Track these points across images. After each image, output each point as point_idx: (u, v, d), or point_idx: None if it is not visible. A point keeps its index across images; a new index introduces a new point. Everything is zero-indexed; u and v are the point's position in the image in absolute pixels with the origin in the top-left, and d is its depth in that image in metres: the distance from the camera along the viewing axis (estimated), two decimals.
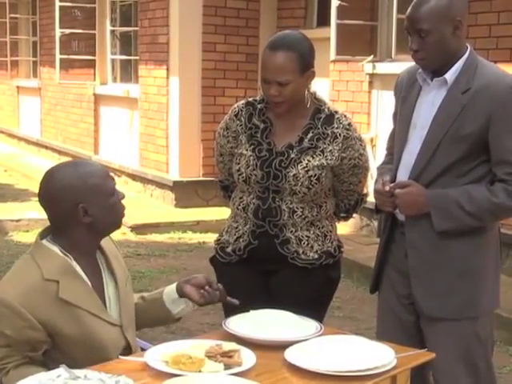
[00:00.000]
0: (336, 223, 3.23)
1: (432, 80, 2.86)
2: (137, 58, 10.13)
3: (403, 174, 2.90)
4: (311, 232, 3.08)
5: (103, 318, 2.49)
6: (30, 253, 2.52)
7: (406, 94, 2.96)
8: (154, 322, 2.86)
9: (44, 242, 2.52)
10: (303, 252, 3.06)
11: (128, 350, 2.53)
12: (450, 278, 2.84)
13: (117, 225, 2.60)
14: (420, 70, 2.88)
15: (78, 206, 2.45)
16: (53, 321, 2.41)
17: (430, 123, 2.83)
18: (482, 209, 2.78)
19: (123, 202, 2.62)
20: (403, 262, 2.93)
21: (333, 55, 7.44)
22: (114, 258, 2.65)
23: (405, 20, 2.83)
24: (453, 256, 2.83)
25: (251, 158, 3.05)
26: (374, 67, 7.60)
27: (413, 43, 2.80)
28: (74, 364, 2.20)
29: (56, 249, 2.49)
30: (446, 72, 2.81)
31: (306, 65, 2.97)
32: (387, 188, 2.87)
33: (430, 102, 2.86)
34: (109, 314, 2.53)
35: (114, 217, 2.56)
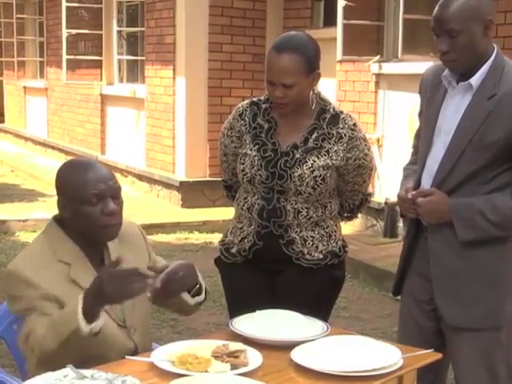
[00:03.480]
0: (340, 223, 3.23)
1: (457, 83, 2.78)
2: (143, 58, 10.14)
3: (426, 180, 2.86)
4: (316, 232, 3.08)
5: (108, 312, 2.50)
6: (45, 233, 2.61)
7: (432, 95, 2.89)
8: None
9: (56, 224, 2.60)
10: (308, 252, 3.06)
11: (135, 353, 2.53)
12: (473, 287, 2.79)
13: (91, 234, 2.55)
14: (445, 72, 2.80)
15: (59, 198, 2.57)
16: (62, 299, 2.44)
17: (455, 129, 2.77)
18: (505, 218, 2.74)
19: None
20: (426, 266, 2.88)
21: (339, 55, 7.44)
22: (118, 253, 2.62)
23: (431, 21, 2.74)
24: (476, 265, 2.79)
25: (256, 158, 3.05)
26: (380, 67, 7.60)
27: (442, 44, 2.71)
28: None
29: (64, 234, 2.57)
30: (471, 76, 2.74)
31: (311, 67, 2.96)
32: (409, 195, 2.82)
33: (454, 107, 2.79)
34: (115, 312, 2.54)
35: (85, 226, 2.53)
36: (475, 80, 2.73)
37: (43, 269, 2.48)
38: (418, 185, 2.90)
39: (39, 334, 2.38)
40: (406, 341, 2.86)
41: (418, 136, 3.06)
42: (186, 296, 2.62)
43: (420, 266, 2.94)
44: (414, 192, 2.83)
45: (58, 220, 2.61)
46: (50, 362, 2.30)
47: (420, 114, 3.03)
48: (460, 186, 2.77)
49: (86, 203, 2.51)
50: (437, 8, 2.73)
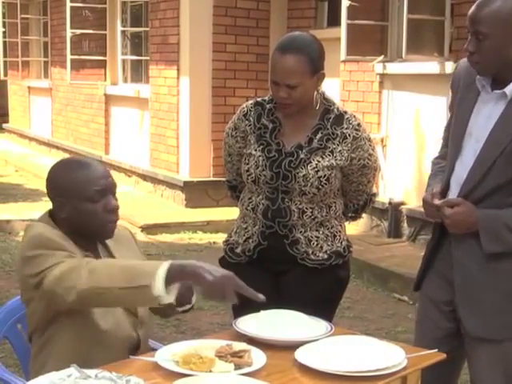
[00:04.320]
0: (345, 223, 3.23)
1: (491, 89, 2.72)
2: (147, 58, 10.15)
3: (454, 188, 2.81)
4: (320, 232, 3.08)
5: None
6: (43, 222, 2.55)
7: (464, 95, 2.82)
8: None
9: (51, 221, 2.56)
10: (313, 252, 3.06)
11: (137, 348, 2.54)
12: (496, 299, 2.77)
13: (92, 232, 2.56)
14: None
15: (55, 199, 2.54)
16: None
17: (486, 138, 2.71)
18: None
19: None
20: (449, 269, 2.85)
21: (343, 55, 7.44)
22: (119, 255, 2.64)
23: (467, 19, 2.66)
24: (500, 276, 2.76)
25: (260, 158, 3.05)
26: (384, 67, 7.59)
27: (469, 44, 2.64)
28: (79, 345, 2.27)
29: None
30: (506, 83, 2.66)
31: (315, 67, 2.96)
32: (436, 202, 2.78)
33: (487, 114, 2.73)
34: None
35: (85, 224, 2.52)
36: (510, 89, 2.67)
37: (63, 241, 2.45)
38: (445, 189, 2.85)
39: (96, 267, 2.29)
40: (422, 340, 2.85)
41: (448, 129, 2.97)
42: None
43: (442, 267, 2.90)
44: (441, 201, 2.78)
45: (51, 217, 2.58)
46: (87, 302, 2.28)
47: (451, 107, 2.95)
48: (488, 197, 2.73)
49: (88, 200, 2.50)
50: (473, 7, 2.64)
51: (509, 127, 2.67)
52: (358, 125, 3.07)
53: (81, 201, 2.50)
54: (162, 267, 2.21)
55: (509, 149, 2.66)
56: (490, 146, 2.70)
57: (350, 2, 7.25)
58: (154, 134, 9.83)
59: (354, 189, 3.16)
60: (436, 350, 2.50)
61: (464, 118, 2.79)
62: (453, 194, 2.82)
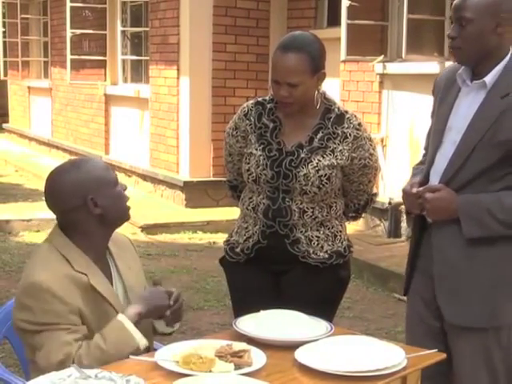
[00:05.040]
0: (346, 223, 3.23)
1: (471, 81, 2.79)
2: (147, 58, 10.15)
3: (434, 177, 2.85)
4: (321, 232, 3.08)
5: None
6: (52, 243, 2.53)
7: (444, 94, 2.89)
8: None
9: (62, 233, 2.55)
10: (313, 252, 3.06)
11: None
12: (476, 286, 2.78)
13: (125, 214, 2.62)
14: (460, 70, 2.81)
15: (87, 198, 2.49)
16: (84, 311, 2.43)
17: (466, 127, 2.76)
18: None
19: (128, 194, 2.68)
20: (430, 265, 2.87)
21: (343, 55, 7.44)
22: (123, 262, 2.66)
23: (452, 8, 2.76)
24: (480, 264, 2.77)
25: (261, 157, 3.05)
26: (384, 67, 7.59)
27: (452, 31, 2.73)
28: None
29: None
30: (485, 74, 2.74)
31: (316, 66, 2.96)
32: (414, 190, 2.81)
33: (467, 105, 2.79)
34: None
35: (121, 205, 2.59)
36: (489, 78, 2.73)
37: (66, 281, 2.42)
38: (425, 181, 2.88)
39: (81, 353, 2.35)
40: (413, 340, 2.86)
41: (429, 136, 3.04)
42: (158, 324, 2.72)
43: (424, 265, 2.93)
44: (421, 188, 2.81)
45: (62, 229, 2.56)
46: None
47: (432, 115, 3.01)
48: (468, 184, 2.76)
49: (116, 185, 2.57)
50: None
51: (488, 114, 2.72)
52: (359, 124, 3.07)
53: (111, 187, 2.55)
54: (130, 325, 2.42)
55: (488, 135, 2.71)
56: (470, 134, 2.75)
57: (349, 2, 7.25)
58: (153, 133, 9.84)
59: (355, 189, 3.16)
60: (436, 350, 2.51)
61: (445, 115, 2.85)
62: (433, 183, 2.85)
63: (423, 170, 2.96)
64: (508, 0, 2.72)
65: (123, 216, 2.62)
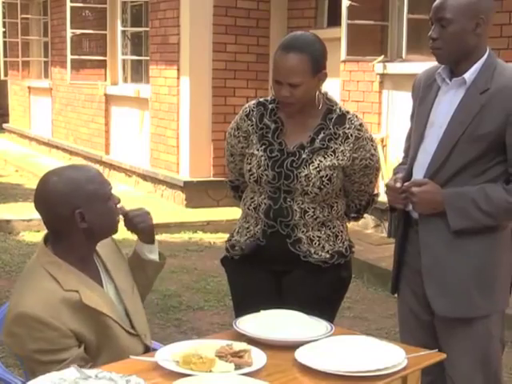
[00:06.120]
0: (347, 223, 3.23)
1: (451, 80, 2.86)
2: (147, 58, 10.15)
3: (418, 173, 2.89)
4: (322, 232, 3.08)
5: (123, 326, 2.51)
6: (40, 263, 2.48)
7: (424, 94, 2.96)
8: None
9: (49, 249, 2.51)
10: (315, 252, 3.06)
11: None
12: (462, 277, 2.83)
13: (113, 229, 2.59)
14: (439, 70, 2.87)
15: (75, 211, 2.44)
16: (80, 330, 2.40)
17: (448, 122, 2.82)
18: (498, 209, 2.78)
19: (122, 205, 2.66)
20: (418, 260, 2.91)
21: (343, 55, 7.44)
22: (111, 264, 2.65)
23: (431, 9, 2.82)
24: (466, 255, 2.82)
25: (262, 158, 3.06)
26: (384, 67, 7.59)
27: (433, 32, 2.80)
28: None
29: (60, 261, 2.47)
30: (464, 72, 2.81)
31: (318, 66, 2.96)
32: (398, 185, 2.87)
33: (448, 102, 2.86)
34: (126, 323, 2.55)
35: (110, 222, 2.55)
36: (469, 75, 2.81)
37: (56, 305, 2.38)
38: (408, 177, 2.93)
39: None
40: (409, 337, 2.88)
41: (408, 139, 3.11)
42: (140, 247, 2.80)
43: (412, 261, 2.97)
44: (407, 182, 2.86)
45: (45, 243, 2.53)
46: None
47: (412, 116, 3.09)
48: (452, 179, 2.82)
49: (108, 200, 2.53)
50: None
51: (469, 109, 2.78)
52: (360, 125, 3.08)
53: (104, 201, 2.50)
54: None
55: (470, 129, 2.77)
56: (452, 128, 2.81)
57: (350, 2, 7.25)
58: (154, 133, 9.84)
59: (356, 189, 3.17)
60: (436, 350, 2.52)
61: (425, 112, 2.92)
62: (417, 178, 2.89)
63: (406, 167, 3.00)
64: (486, 1, 2.80)
65: (110, 231, 2.59)
